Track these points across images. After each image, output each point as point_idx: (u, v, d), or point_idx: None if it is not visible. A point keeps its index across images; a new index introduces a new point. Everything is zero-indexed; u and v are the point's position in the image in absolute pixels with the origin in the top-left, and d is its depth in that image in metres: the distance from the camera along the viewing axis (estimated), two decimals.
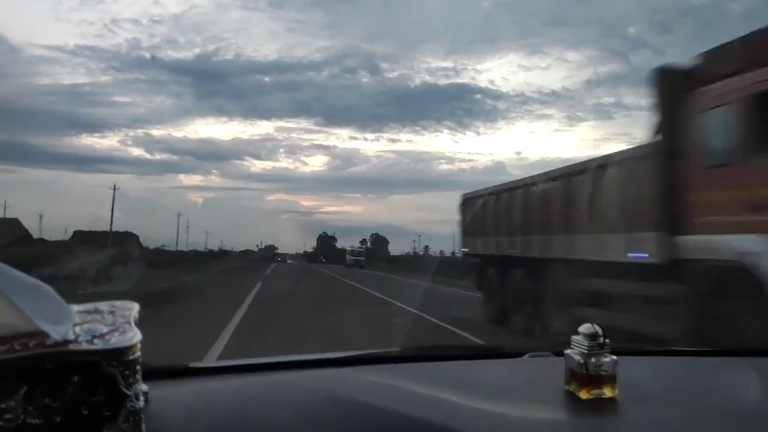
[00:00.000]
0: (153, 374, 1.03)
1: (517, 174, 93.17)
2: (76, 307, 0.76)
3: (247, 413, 0.94)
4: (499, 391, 1.08)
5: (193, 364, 1.30)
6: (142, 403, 0.70)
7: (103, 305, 0.80)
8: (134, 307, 0.80)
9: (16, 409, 0.64)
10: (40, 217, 36.45)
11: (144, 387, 0.75)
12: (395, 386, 1.08)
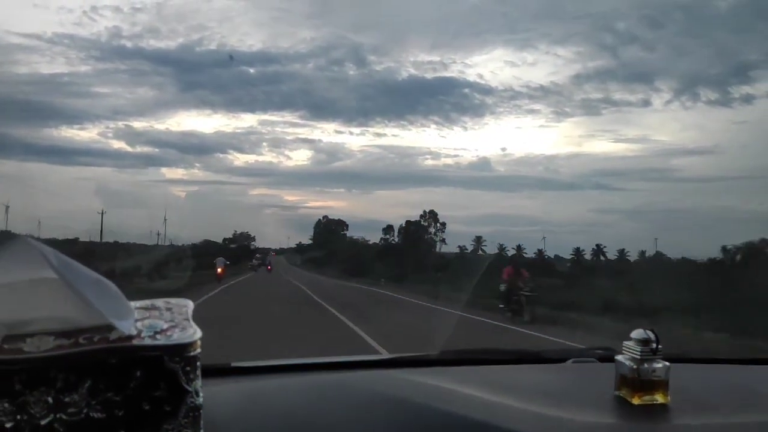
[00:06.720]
0: None
1: (502, 170, 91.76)
2: (133, 304, 0.77)
3: (297, 413, 0.94)
4: (548, 395, 1.06)
5: (235, 363, 1.31)
6: (201, 400, 0.70)
7: (160, 302, 0.80)
8: (190, 305, 0.80)
9: (79, 403, 0.64)
10: (6, 207, 36.54)
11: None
12: (444, 388, 1.06)
